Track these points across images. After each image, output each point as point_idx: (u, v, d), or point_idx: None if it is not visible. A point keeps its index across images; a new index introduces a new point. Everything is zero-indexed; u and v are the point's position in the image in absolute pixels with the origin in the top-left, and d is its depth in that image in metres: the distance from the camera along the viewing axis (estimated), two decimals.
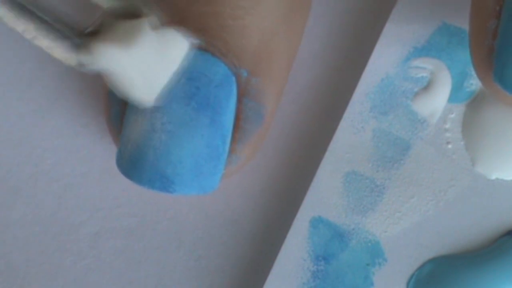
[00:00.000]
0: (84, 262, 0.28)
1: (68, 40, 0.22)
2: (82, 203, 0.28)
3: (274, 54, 0.26)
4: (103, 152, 0.29)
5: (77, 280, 0.28)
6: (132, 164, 0.25)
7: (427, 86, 0.27)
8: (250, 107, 0.25)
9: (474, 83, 0.27)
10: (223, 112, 0.25)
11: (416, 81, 0.27)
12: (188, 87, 0.24)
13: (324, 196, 0.27)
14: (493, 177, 0.27)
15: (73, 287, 0.28)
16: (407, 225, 0.27)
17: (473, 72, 0.27)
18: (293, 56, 0.27)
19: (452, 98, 0.27)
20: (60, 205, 0.29)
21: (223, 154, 0.25)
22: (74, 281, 0.28)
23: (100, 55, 0.22)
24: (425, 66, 0.27)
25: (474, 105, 0.27)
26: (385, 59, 0.28)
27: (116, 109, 0.26)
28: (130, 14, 0.23)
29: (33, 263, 0.28)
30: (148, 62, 0.22)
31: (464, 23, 0.27)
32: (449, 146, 0.27)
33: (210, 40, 0.24)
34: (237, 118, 0.25)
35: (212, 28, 0.24)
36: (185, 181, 0.25)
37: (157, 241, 0.28)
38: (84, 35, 0.23)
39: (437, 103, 0.27)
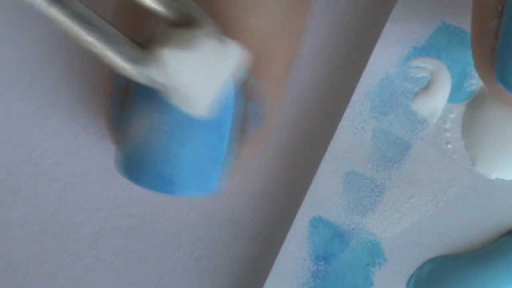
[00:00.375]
0: (84, 262, 0.28)
1: (129, 52, 0.23)
2: (82, 203, 0.28)
3: (273, 54, 0.26)
4: (103, 152, 0.28)
5: (77, 280, 0.28)
6: (132, 165, 0.25)
7: (427, 86, 0.27)
8: (250, 108, 0.25)
9: (474, 83, 0.27)
10: (222, 112, 0.25)
11: (416, 81, 0.27)
12: None
13: (324, 196, 0.27)
14: (493, 177, 0.27)
15: (73, 287, 0.28)
16: (407, 225, 0.27)
17: (473, 72, 0.27)
18: (293, 57, 0.27)
19: (452, 98, 0.27)
20: (60, 205, 0.28)
21: (223, 155, 0.25)
22: (74, 281, 0.28)
23: (166, 60, 0.22)
24: (425, 66, 0.27)
25: (474, 105, 0.27)
26: (385, 59, 0.28)
27: (116, 111, 0.26)
28: (187, 24, 0.23)
29: (33, 263, 0.28)
30: (208, 69, 0.23)
31: (464, 23, 0.27)
32: (449, 146, 0.27)
33: None
34: (237, 120, 0.25)
35: None
36: (185, 182, 0.25)
37: (157, 241, 0.28)
38: (140, 44, 0.23)
39: (437, 103, 0.27)
